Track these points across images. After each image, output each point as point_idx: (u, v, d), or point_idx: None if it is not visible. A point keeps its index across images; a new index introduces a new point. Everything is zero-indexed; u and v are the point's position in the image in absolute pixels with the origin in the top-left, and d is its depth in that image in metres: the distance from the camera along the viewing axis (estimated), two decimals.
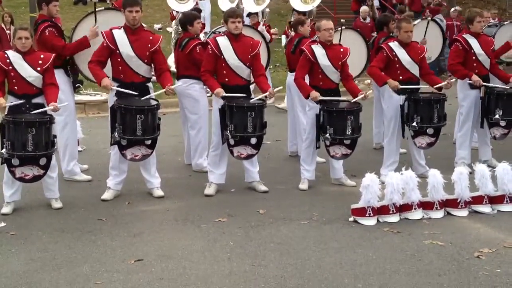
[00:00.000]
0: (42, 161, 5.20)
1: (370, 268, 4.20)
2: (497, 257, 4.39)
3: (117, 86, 5.62)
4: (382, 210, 5.12)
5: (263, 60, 6.49)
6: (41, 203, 5.55)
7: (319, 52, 6.01)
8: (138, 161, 5.69)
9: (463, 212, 5.31)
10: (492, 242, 4.67)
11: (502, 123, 6.60)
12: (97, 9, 6.25)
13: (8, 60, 5.25)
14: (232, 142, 5.73)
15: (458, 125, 6.99)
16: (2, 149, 5.13)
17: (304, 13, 9.79)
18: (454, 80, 6.51)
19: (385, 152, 6.48)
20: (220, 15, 8.88)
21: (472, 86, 6.61)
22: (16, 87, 5.28)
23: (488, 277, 4.06)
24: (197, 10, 9.28)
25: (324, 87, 6.02)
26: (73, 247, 4.57)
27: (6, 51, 5.37)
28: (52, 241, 4.70)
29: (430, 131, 6.22)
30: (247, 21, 11.47)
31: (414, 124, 6.11)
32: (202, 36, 7.93)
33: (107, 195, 5.74)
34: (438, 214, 5.26)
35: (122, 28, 5.66)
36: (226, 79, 5.84)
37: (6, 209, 5.31)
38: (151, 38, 5.76)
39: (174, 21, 11.91)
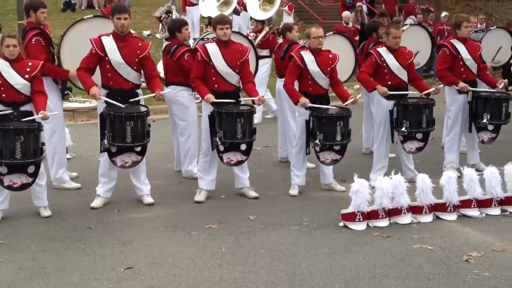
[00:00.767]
0: (31, 169, 5.17)
1: (360, 273, 4.21)
2: (486, 260, 4.42)
3: (106, 93, 5.60)
4: (372, 215, 5.14)
5: (252, 67, 6.50)
6: (29, 211, 5.52)
7: (308, 58, 6.04)
8: (128, 168, 5.67)
9: (452, 216, 5.35)
10: (480, 245, 4.70)
11: (490, 127, 6.65)
12: (85, 17, 6.24)
13: None
14: (221, 148, 5.73)
15: (446, 129, 7.04)
16: None
17: (263, 21, 9.88)
18: (441, 86, 6.57)
19: (375, 157, 6.51)
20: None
21: (460, 91, 6.67)
22: (4, 95, 5.25)
23: (477, 280, 4.09)
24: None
25: (313, 93, 6.04)
26: (62, 256, 4.54)
27: None
28: (41, 249, 4.67)
29: (419, 135, 6.27)
30: (236, 27, 11.49)
31: (403, 129, 6.15)
32: (191, 42, 7.93)
33: (96, 202, 5.72)
34: (427, 218, 5.29)
35: (111, 35, 5.66)
36: (215, 86, 5.84)
37: None
38: (140, 44, 5.75)
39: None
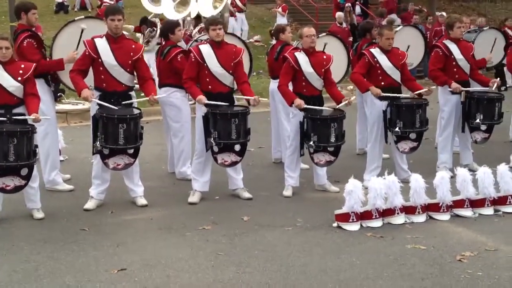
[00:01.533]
0: (24, 171, 5.15)
1: (354, 273, 4.22)
2: (479, 260, 4.44)
3: (99, 95, 5.59)
4: (365, 215, 5.15)
5: (245, 68, 6.51)
6: (22, 213, 5.49)
7: (303, 59, 6.04)
8: (120, 170, 5.66)
9: (445, 216, 5.37)
10: (473, 245, 4.72)
11: (483, 127, 6.69)
12: (77, 18, 6.22)
13: None
14: (216, 149, 5.73)
15: (440, 129, 7.06)
16: None
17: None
18: (434, 86, 6.59)
19: (368, 157, 6.52)
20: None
21: (453, 91, 6.69)
22: None
23: (470, 280, 4.10)
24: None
25: (307, 94, 6.05)
26: (55, 258, 4.53)
27: None
28: (34, 252, 4.65)
29: (412, 136, 6.29)
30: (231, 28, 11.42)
31: (397, 129, 6.16)
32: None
33: (89, 204, 5.70)
34: (420, 218, 5.31)
35: (104, 36, 5.65)
36: (210, 87, 5.84)
37: None
38: (133, 46, 5.75)
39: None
